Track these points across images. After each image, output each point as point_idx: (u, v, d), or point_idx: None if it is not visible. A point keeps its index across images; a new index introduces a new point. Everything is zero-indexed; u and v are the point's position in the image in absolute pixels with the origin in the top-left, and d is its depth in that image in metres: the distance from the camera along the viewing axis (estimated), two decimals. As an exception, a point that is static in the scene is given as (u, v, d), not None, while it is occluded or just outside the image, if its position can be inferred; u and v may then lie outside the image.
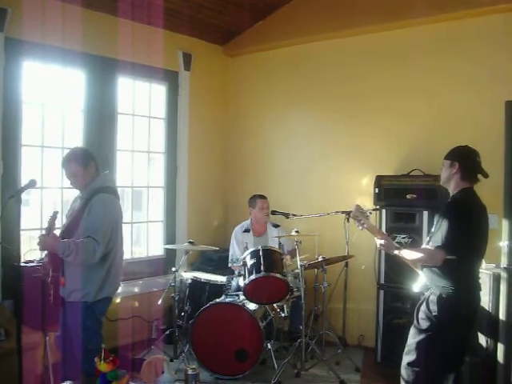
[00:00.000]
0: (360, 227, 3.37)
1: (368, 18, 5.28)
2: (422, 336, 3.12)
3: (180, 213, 6.12)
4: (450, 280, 3.06)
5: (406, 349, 3.23)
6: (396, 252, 3.29)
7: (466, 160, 3.23)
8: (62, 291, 3.55)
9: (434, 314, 3.08)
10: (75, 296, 3.51)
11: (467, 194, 3.19)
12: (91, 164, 3.64)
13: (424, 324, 3.12)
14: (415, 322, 3.20)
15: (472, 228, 3.08)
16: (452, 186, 3.25)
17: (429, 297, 3.15)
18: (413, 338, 3.19)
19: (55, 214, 3.47)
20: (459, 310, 3.06)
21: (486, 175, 3.22)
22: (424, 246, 3.35)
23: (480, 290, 3.21)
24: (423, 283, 3.26)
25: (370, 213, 3.55)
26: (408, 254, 3.27)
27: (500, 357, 3.88)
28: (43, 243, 3.42)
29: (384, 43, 5.36)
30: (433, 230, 3.25)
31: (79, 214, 3.53)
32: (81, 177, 3.60)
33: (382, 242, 3.32)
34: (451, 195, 3.26)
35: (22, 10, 4.47)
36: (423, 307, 3.17)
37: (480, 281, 3.25)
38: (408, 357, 3.18)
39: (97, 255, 3.40)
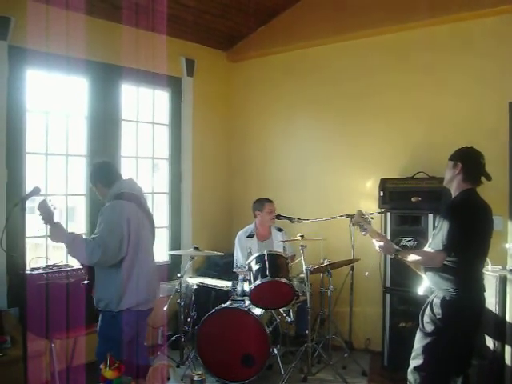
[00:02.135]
0: (362, 232, 3.41)
1: (371, 21, 5.28)
2: (427, 340, 3.12)
3: (185, 218, 6.13)
4: (453, 282, 3.05)
5: (412, 353, 3.22)
6: (396, 255, 3.30)
7: (469, 161, 3.22)
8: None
9: (438, 317, 3.07)
10: (101, 305, 3.54)
11: (468, 195, 3.18)
12: (105, 180, 3.70)
13: (429, 327, 3.12)
14: (420, 325, 3.20)
15: (473, 229, 3.07)
16: (454, 186, 3.25)
17: (433, 300, 3.15)
18: (419, 342, 3.18)
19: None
20: (463, 312, 3.05)
21: (489, 178, 3.21)
22: (426, 247, 3.35)
23: (484, 291, 3.20)
24: (427, 286, 3.26)
25: (372, 218, 3.57)
26: (408, 257, 3.28)
27: (507, 359, 3.85)
28: (52, 235, 3.47)
29: (388, 45, 5.35)
30: (434, 231, 3.25)
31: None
32: (97, 190, 3.77)
33: (382, 244, 3.33)
34: (453, 196, 3.26)
35: (26, 18, 4.49)
36: (427, 311, 3.16)
37: (486, 283, 3.24)
38: (415, 361, 3.17)
39: (94, 257, 3.35)
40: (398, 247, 3.40)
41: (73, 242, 3.38)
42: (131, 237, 3.49)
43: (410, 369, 3.20)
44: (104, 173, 3.72)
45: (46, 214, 3.41)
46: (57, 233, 3.42)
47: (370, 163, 5.51)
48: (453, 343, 3.07)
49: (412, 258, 3.27)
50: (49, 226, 3.42)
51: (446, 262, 3.05)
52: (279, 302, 4.63)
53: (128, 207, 3.54)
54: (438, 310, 3.08)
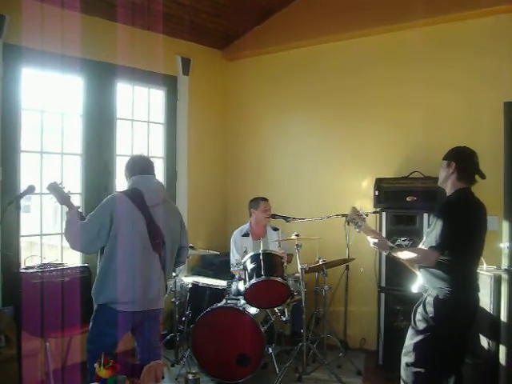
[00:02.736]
0: (357, 229, 3.42)
1: (367, 20, 5.28)
2: (419, 337, 3.14)
3: (180, 217, 6.10)
4: (447, 281, 3.06)
5: (403, 350, 3.24)
6: (390, 252, 3.31)
7: (462, 160, 3.23)
8: None
9: (430, 315, 3.09)
10: None
11: (462, 194, 3.19)
12: (127, 173, 3.74)
13: (421, 325, 3.13)
14: (412, 323, 3.22)
15: (467, 228, 3.08)
16: (449, 186, 3.26)
17: (426, 298, 3.16)
18: (410, 339, 3.20)
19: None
20: (456, 311, 3.06)
21: (483, 176, 3.22)
22: (420, 245, 3.36)
23: (478, 290, 3.21)
24: (421, 284, 3.27)
25: (367, 215, 3.57)
26: (402, 254, 3.29)
27: (502, 358, 3.86)
28: (67, 215, 3.52)
29: (384, 45, 5.36)
30: (428, 229, 3.26)
31: None
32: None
33: (376, 240, 3.35)
34: (447, 195, 3.27)
35: (21, 16, 4.46)
36: (420, 309, 3.18)
37: (480, 282, 3.25)
38: (406, 358, 3.20)
39: (80, 238, 3.35)
40: (392, 244, 3.41)
41: (68, 224, 3.42)
42: (112, 229, 3.36)
43: (402, 365, 3.22)
44: (126, 166, 3.76)
45: (58, 194, 3.48)
46: (68, 215, 3.47)
47: (365, 163, 5.52)
48: (444, 342, 3.08)
49: (406, 255, 3.28)
50: (66, 208, 3.49)
51: (440, 261, 3.06)
52: (274, 301, 4.63)
53: (116, 200, 3.44)
54: (430, 309, 3.09)
